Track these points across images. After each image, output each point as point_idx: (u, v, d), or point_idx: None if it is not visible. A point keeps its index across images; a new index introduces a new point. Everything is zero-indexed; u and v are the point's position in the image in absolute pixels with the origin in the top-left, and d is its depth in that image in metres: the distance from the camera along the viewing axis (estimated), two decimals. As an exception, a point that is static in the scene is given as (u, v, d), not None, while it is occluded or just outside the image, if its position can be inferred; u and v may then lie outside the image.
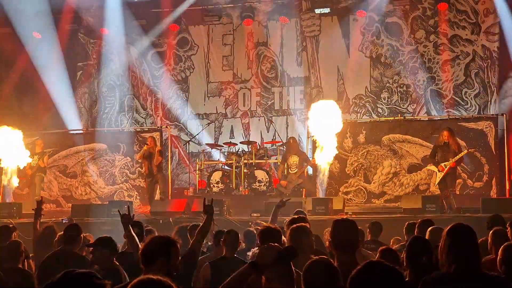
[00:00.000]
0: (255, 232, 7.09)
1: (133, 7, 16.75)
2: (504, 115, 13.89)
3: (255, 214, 11.65)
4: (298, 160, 13.04)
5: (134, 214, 5.83)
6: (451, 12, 15.38)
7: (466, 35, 15.28)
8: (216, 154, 15.59)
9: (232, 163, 14.16)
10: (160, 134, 15.33)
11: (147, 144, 13.42)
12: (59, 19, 16.83)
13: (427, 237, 5.45)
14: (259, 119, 16.68)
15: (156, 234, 6.64)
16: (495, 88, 14.97)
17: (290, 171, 13.08)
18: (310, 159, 13.24)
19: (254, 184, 13.89)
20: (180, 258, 4.00)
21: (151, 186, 13.42)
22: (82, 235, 6.28)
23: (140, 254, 3.90)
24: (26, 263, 6.33)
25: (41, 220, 7.37)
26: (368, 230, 8.27)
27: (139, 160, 14.19)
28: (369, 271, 2.69)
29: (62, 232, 6.49)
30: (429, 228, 5.73)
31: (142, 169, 14.27)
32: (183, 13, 16.71)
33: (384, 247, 5.56)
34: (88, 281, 2.37)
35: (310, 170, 14.02)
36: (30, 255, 6.85)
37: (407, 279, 4.10)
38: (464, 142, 12.95)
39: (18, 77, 16.71)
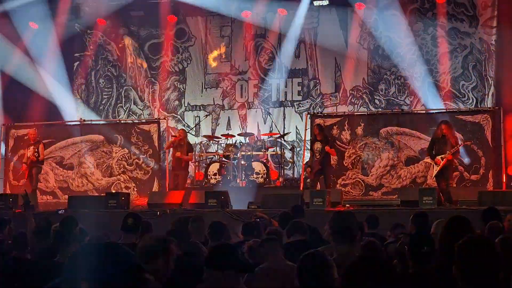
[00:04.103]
0: (254, 224, 7.10)
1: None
2: (501, 108, 13.87)
3: (252, 206, 11.65)
4: (322, 147, 12.88)
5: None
6: (449, 5, 15.35)
7: (464, 28, 15.25)
8: (214, 146, 15.58)
9: (230, 154, 14.14)
10: (158, 125, 15.30)
11: (175, 136, 13.49)
12: (56, 9, 16.72)
13: (432, 230, 5.50)
14: (256, 111, 16.65)
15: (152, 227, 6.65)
16: (492, 81, 14.96)
17: (314, 158, 12.96)
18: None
19: (252, 176, 13.88)
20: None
21: (176, 180, 13.44)
22: (78, 227, 6.24)
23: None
24: None
25: (37, 212, 7.35)
26: (365, 223, 8.26)
27: (166, 150, 14.48)
28: (361, 266, 2.69)
29: (58, 224, 6.45)
30: (436, 221, 5.78)
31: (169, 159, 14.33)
32: (181, 4, 16.64)
33: None
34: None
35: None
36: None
37: (410, 271, 4.13)
38: (461, 135, 12.95)
39: (15, 67, 16.59)
